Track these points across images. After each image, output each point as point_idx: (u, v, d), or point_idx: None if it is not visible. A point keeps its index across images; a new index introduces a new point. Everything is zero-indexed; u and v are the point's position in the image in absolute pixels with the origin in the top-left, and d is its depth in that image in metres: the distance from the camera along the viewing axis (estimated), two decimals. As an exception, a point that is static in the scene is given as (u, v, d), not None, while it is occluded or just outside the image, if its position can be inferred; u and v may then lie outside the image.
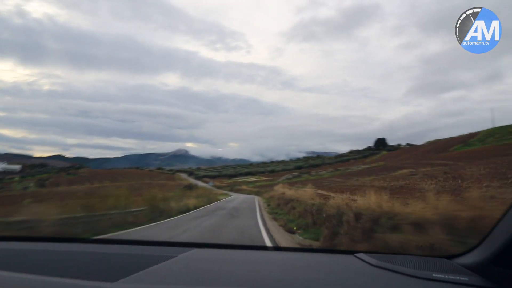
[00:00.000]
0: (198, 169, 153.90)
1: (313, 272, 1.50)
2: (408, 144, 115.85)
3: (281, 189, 23.65)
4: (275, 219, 12.07)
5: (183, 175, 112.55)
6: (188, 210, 16.17)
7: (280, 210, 15.02)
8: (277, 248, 2.02)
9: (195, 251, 1.84)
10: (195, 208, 17.67)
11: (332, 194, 11.56)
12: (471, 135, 67.94)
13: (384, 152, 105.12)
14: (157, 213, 12.29)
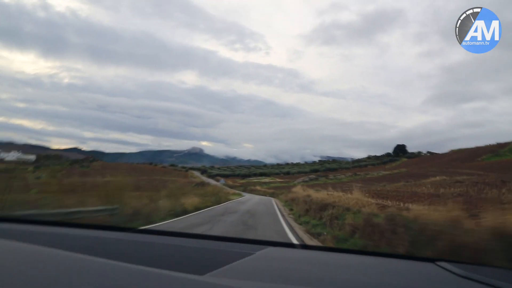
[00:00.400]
0: (212, 167, 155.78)
1: (394, 278, 1.49)
2: (429, 152, 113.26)
3: (301, 191, 21.17)
4: (312, 234, 8.30)
5: (196, 173, 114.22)
6: (184, 212, 12.66)
7: (312, 218, 11.42)
8: (351, 251, 2.07)
9: (270, 249, 1.91)
10: (197, 209, 14.20)
11: (384, 202, 9.70)
12: (500, 146, 65.92)
13: (404, 159, 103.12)
14: (126, 217, 9.04)
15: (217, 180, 77.51)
